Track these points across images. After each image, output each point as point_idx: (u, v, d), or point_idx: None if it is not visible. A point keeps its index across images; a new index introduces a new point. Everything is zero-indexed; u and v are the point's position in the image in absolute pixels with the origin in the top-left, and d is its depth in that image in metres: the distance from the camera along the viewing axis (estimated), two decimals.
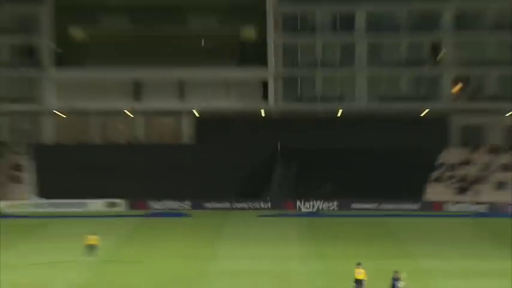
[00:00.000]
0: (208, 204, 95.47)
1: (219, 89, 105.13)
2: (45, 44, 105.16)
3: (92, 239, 64.72)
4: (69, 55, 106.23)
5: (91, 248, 64.40)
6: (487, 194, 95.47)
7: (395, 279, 50.15)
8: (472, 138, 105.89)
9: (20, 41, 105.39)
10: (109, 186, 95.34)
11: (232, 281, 56.13)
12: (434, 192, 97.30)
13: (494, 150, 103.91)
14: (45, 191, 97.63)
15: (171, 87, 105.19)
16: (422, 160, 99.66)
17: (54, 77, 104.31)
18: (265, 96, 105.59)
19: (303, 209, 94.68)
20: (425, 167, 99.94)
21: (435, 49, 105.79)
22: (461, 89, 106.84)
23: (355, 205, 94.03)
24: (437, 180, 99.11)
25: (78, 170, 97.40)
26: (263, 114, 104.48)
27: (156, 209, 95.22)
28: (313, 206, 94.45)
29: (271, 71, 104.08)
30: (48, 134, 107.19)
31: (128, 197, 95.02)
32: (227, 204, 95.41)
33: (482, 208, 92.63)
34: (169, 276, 58.72)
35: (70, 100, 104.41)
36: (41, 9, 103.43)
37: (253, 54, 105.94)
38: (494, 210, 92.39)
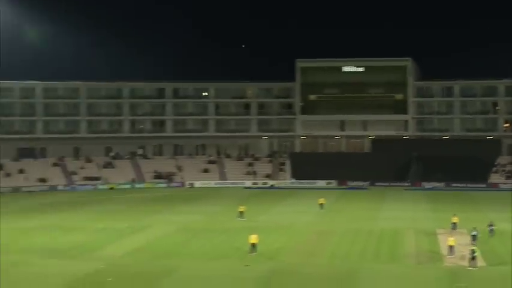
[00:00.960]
0: (377, 183, 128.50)
1: (383, 124, 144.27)
2: (296, 102, 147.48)
3: (321, 200, 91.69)
4: (308, 108, 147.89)
5: (321, 205, 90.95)
6: None
7: (491, 225, 67.02)
8: None
9: (285, 101, 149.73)
10: (327, 173, 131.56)
11: (389, 221, 79.72)
12: (493, 178, 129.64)
13: None
14: (296, 175, 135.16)
15: (359, 124, 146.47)
16: (488, 161, 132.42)
17: (301, 119, 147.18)
18: (405, 128, 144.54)
19: (426, 186, 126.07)
20: (489, 165, 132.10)
21: (495, 105, 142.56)
22: (508, 126, 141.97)
23: (453, 184, 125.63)
24: (495, 171, 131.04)
25: (311, 164, 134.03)
26: (404, 137, 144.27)
27: (351, 185, 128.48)
28: (431, 184, 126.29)
29: (410, 116, 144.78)
30: (297, 147, 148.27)
31: (337, 178, 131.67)
32: (387, 183, 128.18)
33: None
34: (355, 217, 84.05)
35: (308, 130, 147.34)
36: (295, 85, 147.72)
37: (401, 107, 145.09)
38: None
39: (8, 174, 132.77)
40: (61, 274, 52.66)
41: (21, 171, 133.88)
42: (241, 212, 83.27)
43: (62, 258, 59.23)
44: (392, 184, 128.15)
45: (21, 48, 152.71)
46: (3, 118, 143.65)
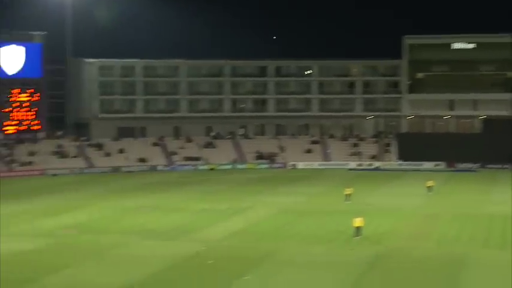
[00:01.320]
0: (488, 166, 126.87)
1: (495, 104, 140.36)
2: (403, 80, 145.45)
3: (430, 183, 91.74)
4: (415, 86, 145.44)
5: (429, 188, 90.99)
6: None
7: None
8: None
9: (391, 79, 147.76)
10: (435, 154, 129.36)
11: (500, 206, 77.57)
12: None
13: None
14: (402, 156, 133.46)
15: (469, 103, 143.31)
16: None
17: (408, 98, 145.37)
18: None
19: None
20: None
21: None
22: None
23: None
24: None
25: (418, 146, 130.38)
26: None
27: (460, 168, 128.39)
28: None
29: None
30: (404, 127, 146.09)
31: (445, 160, 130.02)
32: (498, 166, 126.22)
33: None
34: (465, 201, 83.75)
35: (415, 110, 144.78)
36: (401, 62, 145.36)
37: None
38: None
39: (107, 154, 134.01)
40: (161, 256, 52.52)
41: (121, 151, 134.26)
42: (347, 195, 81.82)
43: (162, 239, 59.19)
44: (504, 167, 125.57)
45: (122, 26, 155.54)
46: (104, 97, 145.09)
